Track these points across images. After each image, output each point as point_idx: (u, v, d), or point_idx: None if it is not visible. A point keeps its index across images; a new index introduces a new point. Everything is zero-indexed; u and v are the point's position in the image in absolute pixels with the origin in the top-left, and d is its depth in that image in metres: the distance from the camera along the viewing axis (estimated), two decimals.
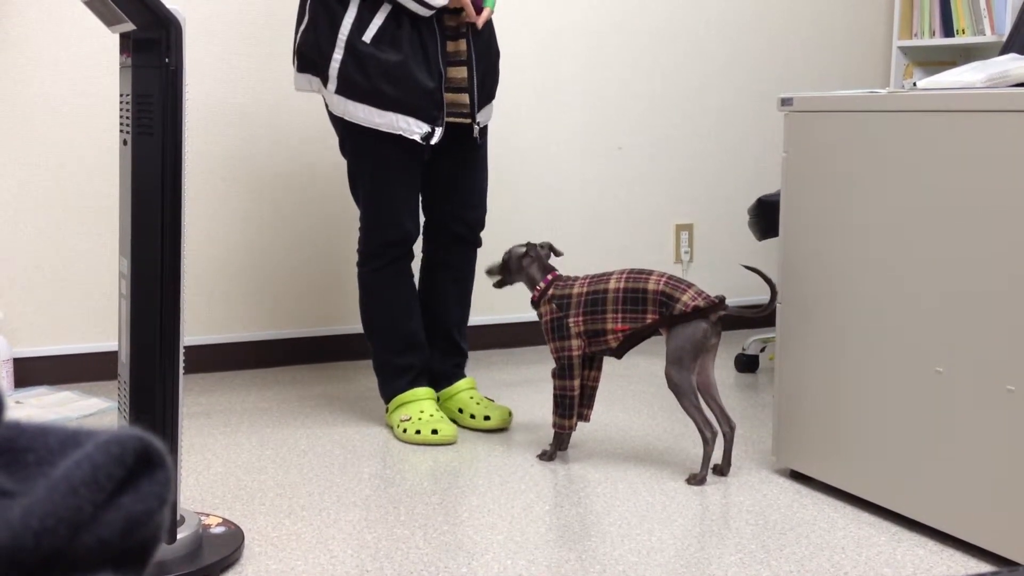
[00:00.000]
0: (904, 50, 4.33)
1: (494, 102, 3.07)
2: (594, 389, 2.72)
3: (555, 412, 2.66)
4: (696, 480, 2.53)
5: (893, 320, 2.29)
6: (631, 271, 2.59)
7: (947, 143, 2.16)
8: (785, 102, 2.55)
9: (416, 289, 3.00)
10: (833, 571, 2.08)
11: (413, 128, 2.76)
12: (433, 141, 2.79)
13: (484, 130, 2.98)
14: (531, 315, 3.99)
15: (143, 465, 0.48)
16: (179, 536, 2.05)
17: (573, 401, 2.64)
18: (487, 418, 2.96)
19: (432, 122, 2.78)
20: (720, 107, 4.20)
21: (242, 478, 2.59)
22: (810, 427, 2.53)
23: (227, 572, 2.08)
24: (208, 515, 2.27)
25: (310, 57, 2.83)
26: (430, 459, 2.73)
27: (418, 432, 2.84)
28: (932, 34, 4.23)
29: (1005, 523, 2.09)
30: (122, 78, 2.03)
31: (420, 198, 2.99)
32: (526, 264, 2.74)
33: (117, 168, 3.45)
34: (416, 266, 3.06)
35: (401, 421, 2.90)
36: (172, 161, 1.96)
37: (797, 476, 2.60)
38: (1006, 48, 3.14)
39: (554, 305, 2.63)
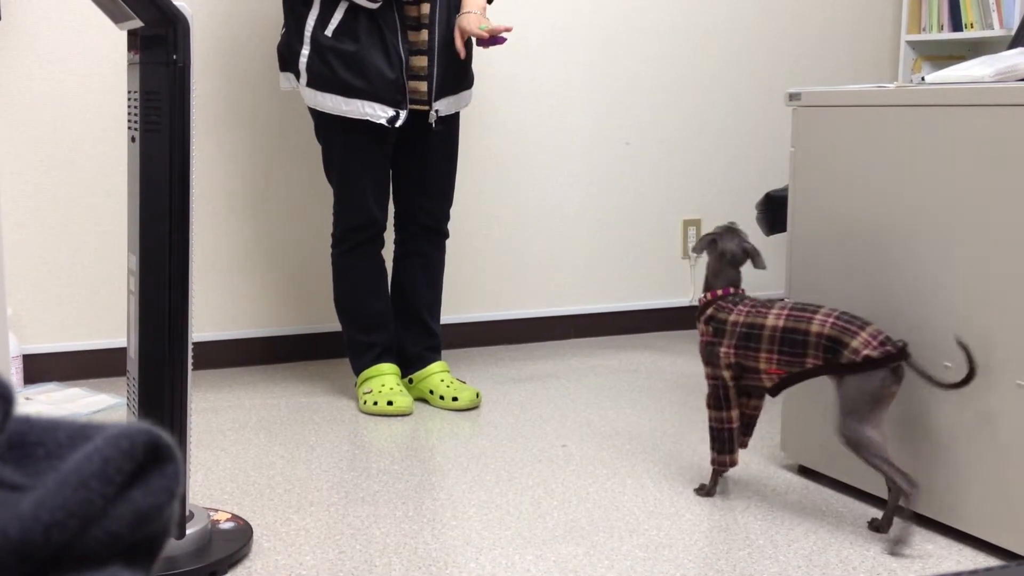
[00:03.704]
0: (912, 44, 4.32)
1: (468, 93, 3.13)
2: (755, 418, 2.44)
3: (712, 447, 2.39)
4: (892, 533, 2.21)
5: (901, 315, 2.29)
6: (795, 306, 2.24)
7: (955, 137, 2.16)
8: (793, 97, 2.54)
9: (384, 272, 3.19)
10: (841, 566, 2.08)
11: (378, 113, 2.95)
12: (398, 124, 2.96)
13: (450, 120, 3.15)
14: (537, 310, 3.99)
15: (152, 459, 0.48)
16: (188, 531, 2.06)
17: (731, 434, 2.37)
18: (455, 399, 3.13)
19: (396, 106, 2.95)
20: (728, 102, 4.19)
21: (251, 473, 2.60)
22: (818, 422, 2.53)
23: (236, 567, 2.09)
24: (217, 510, 2.27)
25: (285, 56, 3.06)
26: (439, 455, 2.73)
27: (375, 403, 3.08)
28: (940, 28, 4.22)
29: (1013, 518, 2.08)
30: (130, 75, 2.03)
31: (389, 188, 3.17)
32: (710, 253, 2.41)
33: (125, 165, 3.46)
34: (390, 256, 3.25)
35: (364, 394, 3.13)
36: (180, 158, 1.96)
37: (805, 471, 2.60)
38: (1015, 42, 3.13)
39: (710, 328, 2.34)
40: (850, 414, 2.14)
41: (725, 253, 2.37)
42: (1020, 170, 2.03)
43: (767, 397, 3.15)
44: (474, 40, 3.06)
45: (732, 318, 2.30)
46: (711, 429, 2.38)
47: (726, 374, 2.32)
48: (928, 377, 2.12)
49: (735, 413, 2.36)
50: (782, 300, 2.30)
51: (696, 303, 4.20)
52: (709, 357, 2.34)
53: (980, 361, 2.12)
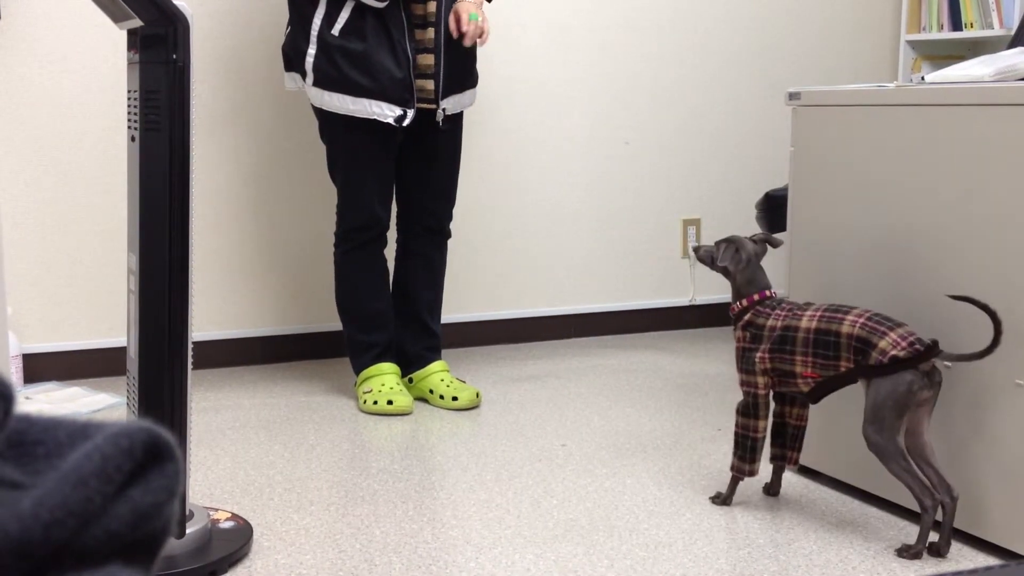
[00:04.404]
0: (912, 44, 4.32)
1: (473, 92, 3.13)
2: (800, 428, 2.36)
3: (734, 453, 2.33)
4: (910, 554, 2.10)
5: (901, 314, 2.29)
6: (828, 308, 2.18)
7: (955, 137, 2.16)
8: (793, 96, 2.54)
9: (387, 272, 3.19)
10: (841, 565, 2.08)
11: (386, 112, 2.94)
12: (405, 123, 2.95)
13: (455, 119, 3.14)
14: (536, 309, 3.99)
15: (152, 457, 0.48)
16: (188, 531, 2.06)
17: (756, 444, 2.30)
18: (455, 398, 3.13)
19: (404, 105, 2.94)
20: (728, 101, 4.19)
21: (251, 473, 2.60)
22: (818, 421, 2.53)
23: (236, 567, 2.09)
24: (217, 510, 2.27)
25: (291, 56, 3.05)
26: (438, 454, 2.73)
27: (375, 403, 3.07)
28: (940, 28, 4.22)
29: (1013, 517, 2.08)
30: (130, 74, 2.03)
31: (393, 187, 3.17)
32: (735, 263, 2.32)
33: (125, 164, 3.46)
34: (392, 255, 3.27)
35: (364, 393, 3.12)
36: (180, 157, 1.96)
37: (805, 471, 2.60)
38: (1014, 42, 3.13)
39: (748, 333, 2.27)
40: (873, 421, 2.07)
41: (751, 258, 2.32)
42: (1019, 169, 2.03)
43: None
44: (458, 26, 2.99)
45: (770, 323, 2.24)
46: (736, 435, 2.31)
47: (760, 380, 2.25)
48: (960, 357, 2.05)
49: (763, 423, 2.29)
50: (812, 304, 2.24)
51: (694, 302, 4.20)
52: (744, 364, 2.27)
53: (980, 361, 2.11)
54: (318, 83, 2.97)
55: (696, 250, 2.41)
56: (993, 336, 2.01)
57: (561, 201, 3.99)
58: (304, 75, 3.00)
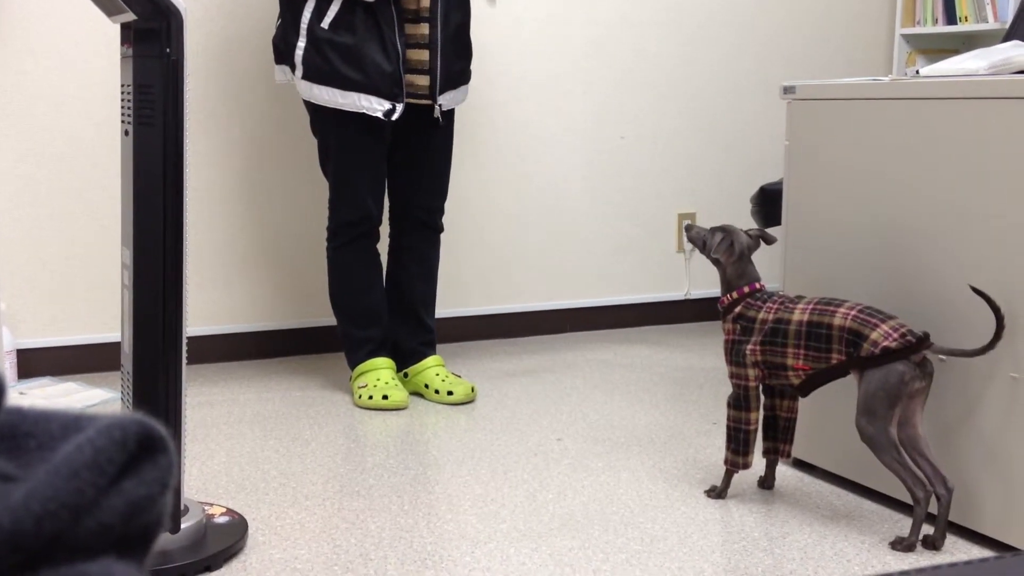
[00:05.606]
0: (907, 38, 4.32)
1: (465, 88, 3.13)
2: (790, 421, 2.38)
3: (727, 446, 2.34)
4: (903, 547, 2.10)
5: (895, 308, 2.29)
6: (820, 301, 2.19)
7: (950, 130, 2.16)
8: (787, 90, 2.54)
9: (380, 267, 3.19)
10: (836, 558, 2.08)
11: (375, 106, 2.94)
12: (394, 117, 2.95)
13: (449, 115, 3.14)
14: (532, 304, 3.99)
15: (145, 450, 0.48)
16: (183, 526, 2.06)
17: (748, 436, 2.30)
18: (450, 393, 3.13)
19: (393, 99, 2.95)
20: (723, 95, 4.19)
21: (246, 468, 2.60)
22: (813, 415, 2.53)
23: (231, 561, 2.08)
24: (212, 505, 2.27)
25: (281, 49, 3.06)
26: (433, 448, 2.73)
27: (371, 397, 3.08)
28: (935, 22, 4.22)
29: (1008, 510, 2.09)
30: (123, 68, 2.03)
31: (385, 182, 3.16)
32: (728, 255, 2.32)
33: (119, 159, 3.45)
34: (385, 250, 3.28)
35: (359, 388, 3.12)
36: (173, 151, 1.96)
37: (800, 464, 2.60)
38: (1009, 35, 3.13)
39: (738, 326, 2.28)
40: (866, 412, 2.08)
41: (743, 251, 2.32)
42: (1014, 163, 2.03)
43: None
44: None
45: (761, 316, 2.24)
46: (728, 429, 2.32)
47: (750, 373, 2.26)
48: (956, 353, 2.06)
49: (755, 415, 2.29)
50: (804, 297, 2.24)
51: (689, 296, 4.20)
52: (734, 356, 2.28)
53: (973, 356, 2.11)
54: (307, 76, 2.97)
55: (688, 229, 2.41)
56: (992, 336, 2.01)
57: (556, 195, 3.99)
58: (294, 68, 3.00)
